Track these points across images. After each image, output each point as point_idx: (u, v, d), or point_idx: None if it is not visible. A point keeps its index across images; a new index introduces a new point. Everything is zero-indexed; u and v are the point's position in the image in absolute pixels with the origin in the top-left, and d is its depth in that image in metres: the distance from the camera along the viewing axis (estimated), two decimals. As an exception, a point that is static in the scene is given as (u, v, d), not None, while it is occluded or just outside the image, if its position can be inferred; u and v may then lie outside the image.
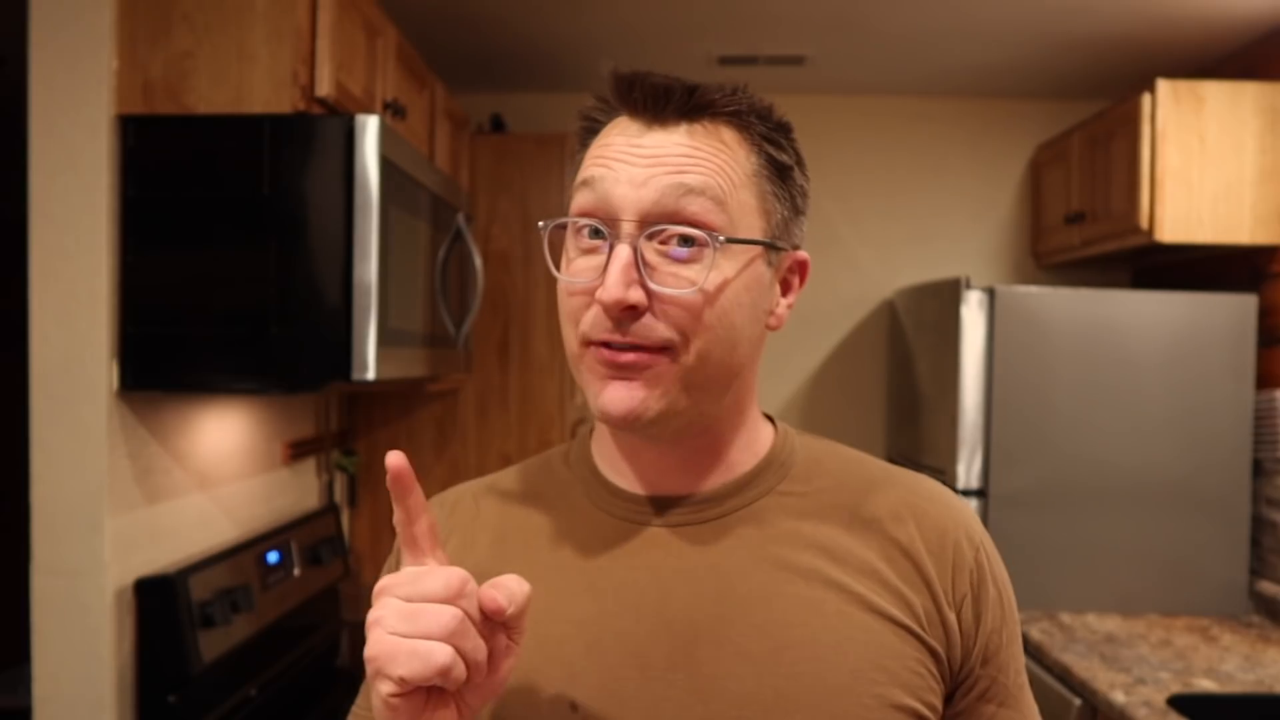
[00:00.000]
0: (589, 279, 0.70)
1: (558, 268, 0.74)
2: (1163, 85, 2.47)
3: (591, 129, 0.76)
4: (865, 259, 3.31)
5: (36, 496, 1.63)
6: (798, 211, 0.76)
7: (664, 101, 0.71)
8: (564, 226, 0.73)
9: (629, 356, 0.69)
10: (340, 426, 2.78)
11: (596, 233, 0.71)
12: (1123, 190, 2.59)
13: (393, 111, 2.05)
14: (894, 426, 3.20)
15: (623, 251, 0.68)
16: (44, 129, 1.62)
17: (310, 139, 1.65)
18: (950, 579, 0.75)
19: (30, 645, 1.63)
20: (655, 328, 0.68)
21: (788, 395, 3.30)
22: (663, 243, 0.69)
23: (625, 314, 0.68)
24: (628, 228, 0.69)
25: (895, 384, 3.19)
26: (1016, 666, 0.79)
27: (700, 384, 0.71)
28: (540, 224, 0.75)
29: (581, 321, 0.70)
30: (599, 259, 0.70)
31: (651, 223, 0.69)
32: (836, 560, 0.74)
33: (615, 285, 0.67)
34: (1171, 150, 2.47)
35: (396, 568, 0.80)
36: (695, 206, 0.69)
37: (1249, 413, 2.48)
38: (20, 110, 1.62)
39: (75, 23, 1.61)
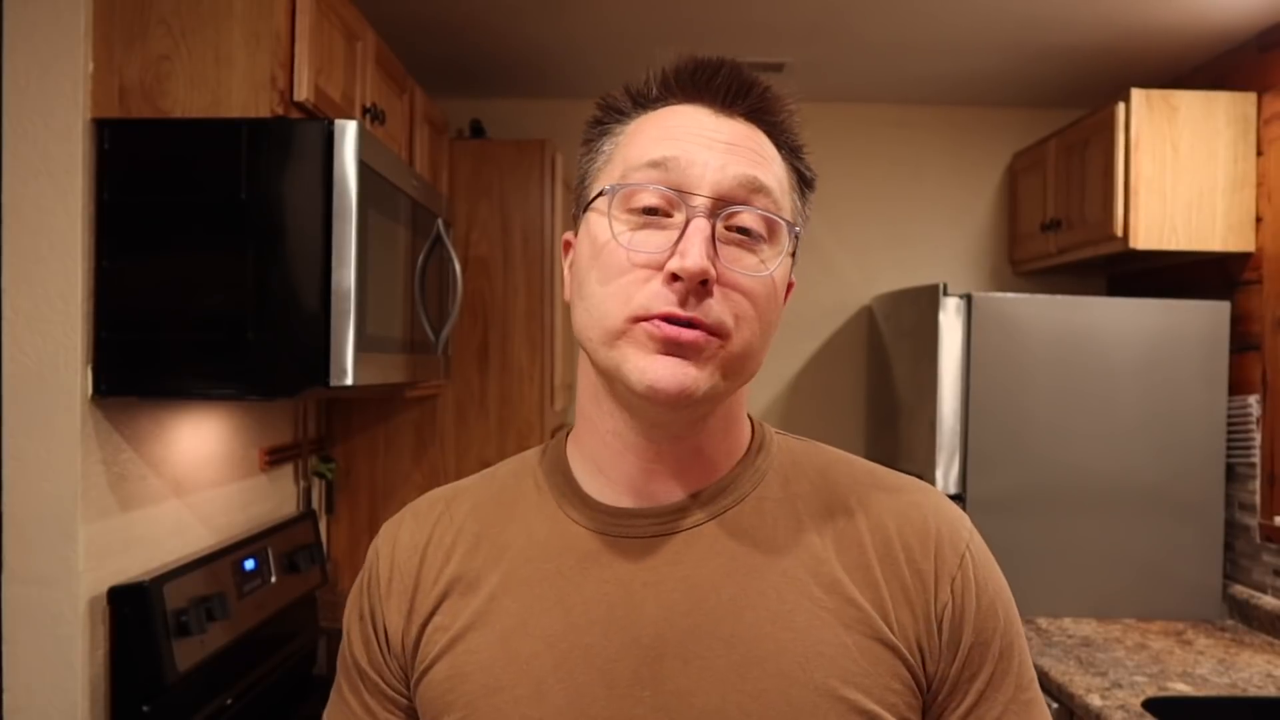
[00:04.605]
0: (654, 251, 0.68)
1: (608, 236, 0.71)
2: (1137, 94, 2.50)
3: (622, 112, 0.76)
4: (844, 265, 3.33)
5: (8, 504, 1.60)
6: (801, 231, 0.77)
7: (743, 95, 0.72)
8: (631, 191, 0.70)
9: (691, 334, 0.67)
10: (318, 433, 2.76)
11: (651, 210, 0.70)
12: (1098, 198, 2.62)
13: (372, 116, 2.04)
14: (873, 432, 3.21)
15: (702, 224, 0.67)
16: (18, 132, 1.60)
17: (288, 143, 1.64)
18: (932, 588, 0.72)
19: (0, 655, 1.60)
20: (714, 309, 0.68)
21: (766, 401, 3.31)
22: (726, 228, 0.70)
23: (700, 289, 0.67)
24: (701, 204, 0.68)
25: (874, 390, 3.21)
26: (1017, 682, 0.74)
27: (735, 372, 0.71)
28: (607, 187, 0.71)
29: (637, 295, 0.68)
30: (662, 235, 0.69)
31: (725, 205, 0.69)
32: (811, 570, 0.72)
33: (699, 255, 0.66)
34: (1145, 158, 2.50)
35: (351, 648, 0.81)
36: (761, 203, 0.70)
37: (1222, 418, 2.51)
38: (-7, 113, 1.60)
39: (50, 25, 1.60)
